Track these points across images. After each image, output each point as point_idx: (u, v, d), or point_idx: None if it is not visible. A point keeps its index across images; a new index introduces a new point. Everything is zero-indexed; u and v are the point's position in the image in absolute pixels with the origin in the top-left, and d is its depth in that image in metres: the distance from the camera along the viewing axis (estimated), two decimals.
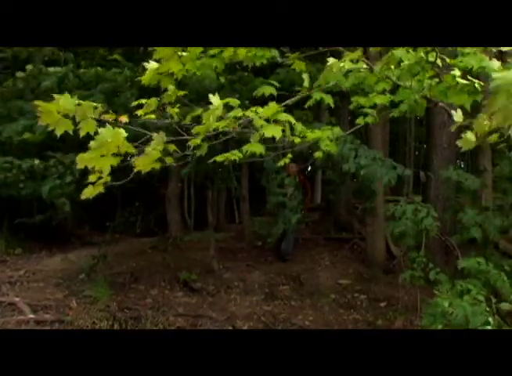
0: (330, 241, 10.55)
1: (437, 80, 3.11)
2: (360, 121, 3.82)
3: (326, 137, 3.65)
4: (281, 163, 4.23)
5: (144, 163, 2.94)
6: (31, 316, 6.40)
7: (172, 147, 3.07)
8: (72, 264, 8.99)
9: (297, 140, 3.39)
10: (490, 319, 3.94)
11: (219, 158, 3.31)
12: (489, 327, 3.92)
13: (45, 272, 8.70)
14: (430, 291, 5.39)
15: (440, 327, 4.11)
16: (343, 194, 11.87)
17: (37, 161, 6.89)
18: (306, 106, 3.96)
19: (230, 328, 5.64)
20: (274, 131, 2.87)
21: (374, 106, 3.62)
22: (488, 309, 4.14)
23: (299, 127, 3.34)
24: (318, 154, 3.96)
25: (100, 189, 2.99)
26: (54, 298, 7.27)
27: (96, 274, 8.29)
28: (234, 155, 3.27)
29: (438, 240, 5.23)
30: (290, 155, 3.95)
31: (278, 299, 7.39)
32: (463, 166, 14.91)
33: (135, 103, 3.38)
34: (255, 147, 3.01)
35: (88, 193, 2.99)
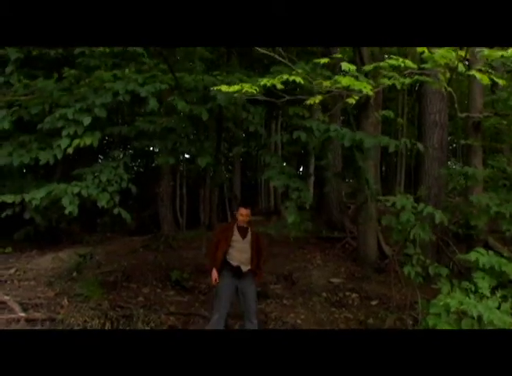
0: (322, 240, 10.60)
1: None
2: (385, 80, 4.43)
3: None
4: (311, 101, 4.52)
5: None
6: (22, 314, 6.36)
7: None
8: (63, 263, 8.96)
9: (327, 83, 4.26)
10: (507, 318, 3.91)
11: None
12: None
13: (35, 270, 8.67)
14: (422, 290, 5.43)
15: (446, 327, 4.08)
16: (334, 194, 11.92)
17: None
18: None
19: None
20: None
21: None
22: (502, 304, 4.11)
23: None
24: (351, 100, 4.55)
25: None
26: (45, 297, 7.23)
27: (88, 272, 8.27)
28: None
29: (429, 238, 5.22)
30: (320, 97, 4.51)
31: (270, 298, 7.40)
32: (454, 166, 15.02)
33: None
34: None
35: None
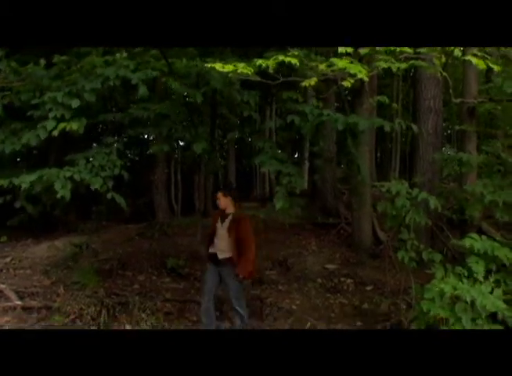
0: (317, 226, 10.63)
1: None
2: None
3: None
4: (306, 83, 4.51)
5: None
6: (18, 302, 6.37)
7: None
8: (58, 251, 8.96)
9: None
10: (499, 303, 3.93)
11: None
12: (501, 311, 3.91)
13: (31, 259, 8.67)
14: (416, 275, 5.46)
15: (440, 312, 4.10)
16: (329, 180, 11.94)
17: None
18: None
19: (217, 313, 5.65)
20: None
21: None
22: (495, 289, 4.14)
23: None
24: (347, 82, 4.51)
25: None
26: (41, 285, 7.25)
27: (84, 261, 8.27)
28: None
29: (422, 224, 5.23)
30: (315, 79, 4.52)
31: (265, 283, 7.44)
32: (449, 152, 15.04)
33: None
34: None
35: None
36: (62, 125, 5.14)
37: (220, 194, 5.35)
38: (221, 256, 5.24)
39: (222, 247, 5.25)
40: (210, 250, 5.35)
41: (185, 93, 6.30)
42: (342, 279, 7.64)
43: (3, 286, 6.95)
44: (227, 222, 5.29)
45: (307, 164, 14.86)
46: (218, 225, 5.34)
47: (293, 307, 6.50)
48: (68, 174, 5.19)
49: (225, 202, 5.34)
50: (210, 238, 5.40)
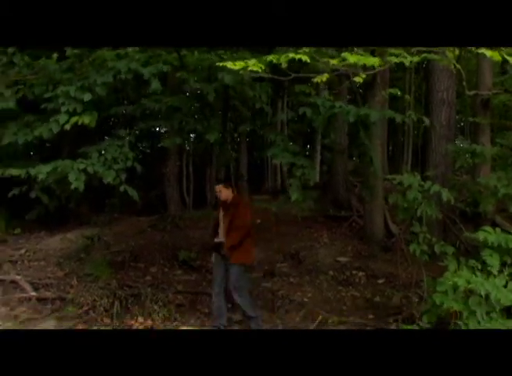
0: (329, 219, 10.60)
1: None
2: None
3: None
4: (317, 79, 4.50)
5: None
6: (33, 293, 6.47)
7: None
8: (71, 243, 9.05)
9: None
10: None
11: None
12: None
13: (45, 251, 8.76)
14: (428, 268, 5.43)
15: (453, 305, 4.09)
16: (341, 172, 11.89)
17: None
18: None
19: (229, 305, 5.68)
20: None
21: None
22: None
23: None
24: (359, 78, 4.49)
25: None
26: (54, 277, 7.34)
27: (96, 253, 8.35)
28: None
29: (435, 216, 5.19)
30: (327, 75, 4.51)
31: (276, 276, 7.45)
32: (462, 144, 14.89)
33: None
34: None
35: None
36: (74, 119, 5.19)
37: (221, 187, 5.39)
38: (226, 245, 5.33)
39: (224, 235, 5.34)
40: (216, 240, 5.44)
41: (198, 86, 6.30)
42: (354, 272, 7.63)
43: (18, 277, 7.05)
44: (228, 210, 5.37)
45: (318, 156, 14.80)
46: (221, 215, 5.43)
47: (305, 300, 6.51)
48: (82, 166, 5.24)
49: (226, 194, 5.40)
50: (214, 229, 5.52)
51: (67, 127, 5.18)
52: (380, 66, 4.35)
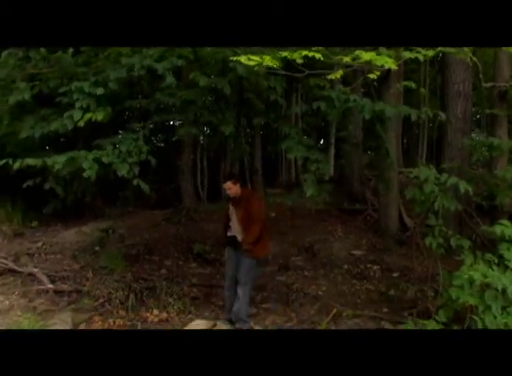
0: (343, 212, 10.57)
1: None
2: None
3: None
4: (332, 76, 4.50)
5: None
6: (50, 286, 6.55)
7: None
8: (87, 236, 9.13)
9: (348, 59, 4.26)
10: None
11: None
12: None
13: (61, 244, 8.85)
14: (444, 262, 5.40)
15: (469, 299, 4.06)
16: (356, 166, 11.84)
17: None
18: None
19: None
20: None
21: None
22: None
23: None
24: (373, 75, 4.52)
25: None
26: (71, 269, 7.41)
27: (111, 246, 8.41)
28: None
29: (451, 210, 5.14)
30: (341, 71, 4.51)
31: (291, 269, 7.46)
32: (478, 137, 14.74)
33: None
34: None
35: None
36: (88, 116, 5.23)
37: (230, 184, 5.35)
38: (240, 238, 5.32)
39: (239, 229, 5.34)
40: (229, 234, 5.47)
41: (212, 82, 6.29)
42: (368, 265, 7.61)
43: (36, 270, 7.14)
44: (240, 206, 5.36)
45: (333, 150, 14.74)
46: (231, 210, 5.44)
47: (320, 293, 6.51)
48: (97, 156, 5.29)
49: (235, 189, 5.39)
50: (225, 224, 5.54)
51: (81, 123, 5.23)
52: (394, 63, 4.29)
